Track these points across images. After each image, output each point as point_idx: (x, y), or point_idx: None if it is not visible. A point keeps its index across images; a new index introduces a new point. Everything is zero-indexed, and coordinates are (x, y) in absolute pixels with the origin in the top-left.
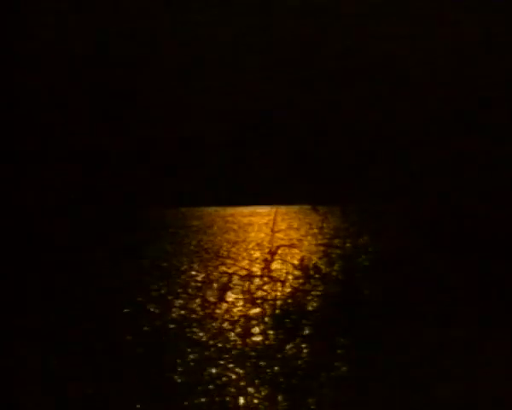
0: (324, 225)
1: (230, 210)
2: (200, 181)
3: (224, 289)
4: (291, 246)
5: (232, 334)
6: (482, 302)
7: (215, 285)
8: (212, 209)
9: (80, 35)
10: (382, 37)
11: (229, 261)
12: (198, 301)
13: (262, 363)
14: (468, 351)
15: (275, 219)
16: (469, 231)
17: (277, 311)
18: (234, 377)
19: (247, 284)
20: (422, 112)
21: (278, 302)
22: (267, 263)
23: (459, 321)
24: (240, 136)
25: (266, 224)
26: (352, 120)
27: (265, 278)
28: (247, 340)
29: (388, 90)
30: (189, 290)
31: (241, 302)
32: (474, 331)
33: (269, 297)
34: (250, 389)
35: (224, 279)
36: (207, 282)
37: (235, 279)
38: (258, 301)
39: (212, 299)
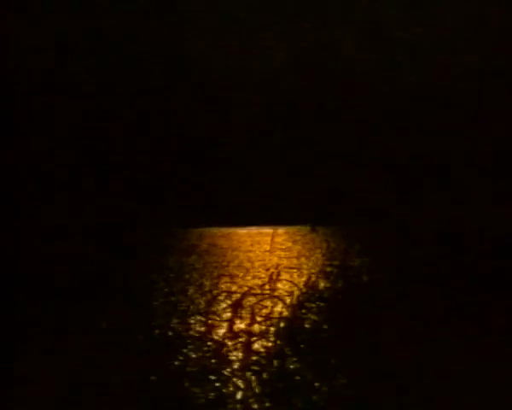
0: (323, 245)
1: (231, 230)
2: (202, 202)
3: (226, 306)
4: (290, 266)
5: (235, 348)
6: (479, 317)
7: (217, 302)
8: (215, 230)
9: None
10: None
11: (232, 280)
12: (202, 316)
13: (265, 376)
14: (467, 366)
15: (273, 240)
16: (468, 248)
17: (279, 327)
18: (235, 390)
19: (247, 301)
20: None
21: (279, 319)
22: (268, 281)
23: (458, 335)
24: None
25: (267, 243)
26: (350, 143)
27: (266, 296)
28: (250, 355)
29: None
30: (194, 306)
31: (242, 318)
32: (471, 347)
33: (270, 314)
34: (252, 401)
35: (226, 297)
36: (211, 299)
37: (237, 297)
38: (259, 319)
39: (213, 314)
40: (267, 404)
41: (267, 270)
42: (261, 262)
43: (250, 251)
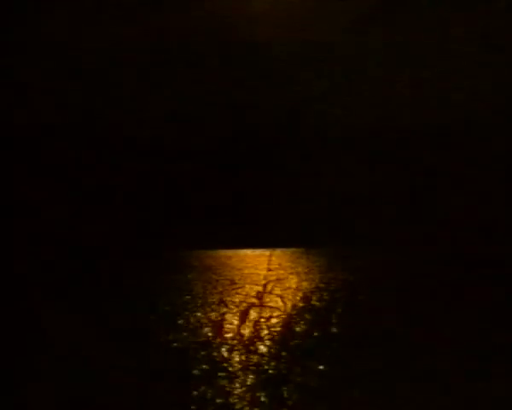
0: (317, 264)
1: (233, 252)
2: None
3: (229, 316)
4: (285, 283)
5: (239, 351)
6: (464, 338)
7: (221, 315)
8: (218, 252)
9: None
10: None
11: (235, 296)
12: (207, 328)
13: (262, 376)
14: (451, 383)
15: (270, 260)
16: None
17: (276, 338)
18: (237, 386)
19: (247, 314)
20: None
21: (276, 330)
22: (264, 296)
23: (447, 358)
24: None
25: (266, 262)
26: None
27: (264, 309)
28: (251, 357)
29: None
30: (200, 321)
31: (243, 327)
32: (455, 364)
33: (268, 324)
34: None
35: (228, 310)
36: (216, 313)
37: (240, 309)
38: (259, 327)
39: (218, 323)
40: (263, 399)
41: (265, 285)
42: (261, 279)
43: (250, 269)
